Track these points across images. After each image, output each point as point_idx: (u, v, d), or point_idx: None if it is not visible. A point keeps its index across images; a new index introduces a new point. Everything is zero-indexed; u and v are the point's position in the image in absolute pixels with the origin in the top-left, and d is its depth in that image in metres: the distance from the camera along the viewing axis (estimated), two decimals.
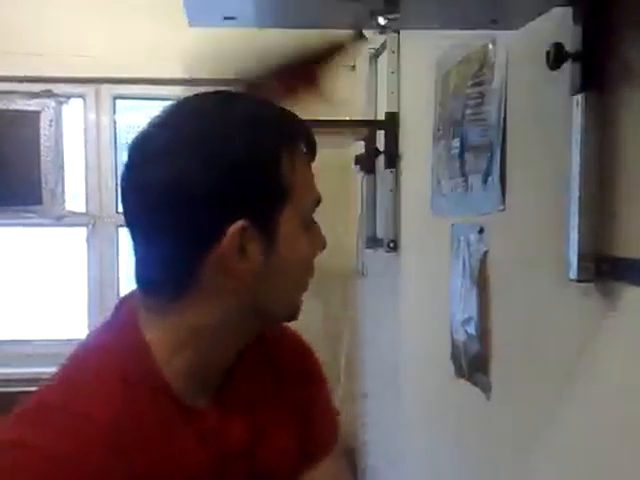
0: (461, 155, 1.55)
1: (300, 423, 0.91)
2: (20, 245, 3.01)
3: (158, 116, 0.78)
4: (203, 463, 0.78)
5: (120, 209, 0.81)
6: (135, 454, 0.72)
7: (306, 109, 0.85)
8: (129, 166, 0.77)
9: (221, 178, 0.72)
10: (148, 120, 0.78)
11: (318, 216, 0.82)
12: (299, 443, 0.90)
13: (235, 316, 0.78)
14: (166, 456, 0.75)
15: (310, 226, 0.81)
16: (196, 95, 0.80)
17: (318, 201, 0.81)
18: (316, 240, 0.82)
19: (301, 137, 0.79)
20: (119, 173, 0.80)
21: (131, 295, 0.83)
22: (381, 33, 1.00)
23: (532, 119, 1.23)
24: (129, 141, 0.78)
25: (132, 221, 0.78)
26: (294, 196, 0.76)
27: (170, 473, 0.76)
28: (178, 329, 0.77)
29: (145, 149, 0.76)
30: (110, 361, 0.76)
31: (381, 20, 0.97)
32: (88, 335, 0.84)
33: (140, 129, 0.78)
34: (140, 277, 0.79)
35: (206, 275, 0.75)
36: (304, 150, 0.79)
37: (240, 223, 0.72)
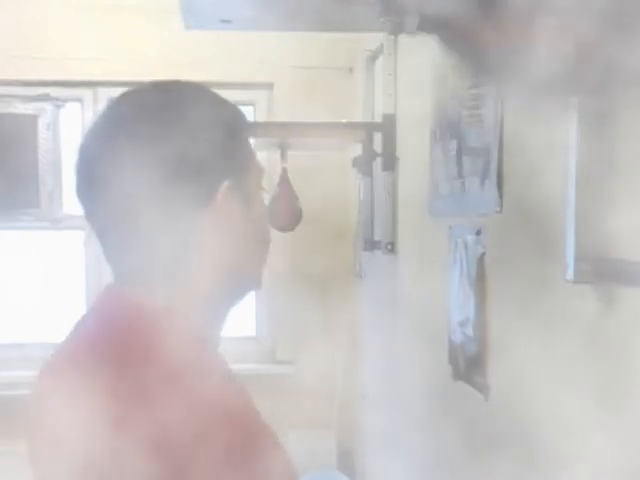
0: (458, 157, 1.55)
1: None
2: (17, 248, 3.00)
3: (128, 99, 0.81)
4: None
5: None
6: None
7: None
8: (104, 145, 0.78)
9: (206, 144, 0.78)
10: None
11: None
12: None
13: (222, 286, 0.81)
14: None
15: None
16: (144, 87, 0.83)
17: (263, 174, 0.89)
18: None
19: (245, 119, 0.88)
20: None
21: (110, 292, 0.83)
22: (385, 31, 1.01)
23: (528, 121, 1.23)
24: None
25: (108, 208, 0.78)
26: (252, 166, 0.85)
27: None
28: (182, 300, 0.79)
29: (134, 124, 0.78)
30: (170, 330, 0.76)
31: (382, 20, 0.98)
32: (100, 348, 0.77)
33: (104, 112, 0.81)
34: (127, 269, 0.80)
35: (199, 241, 0.78)
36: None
37: (227, 183, 0.79)
